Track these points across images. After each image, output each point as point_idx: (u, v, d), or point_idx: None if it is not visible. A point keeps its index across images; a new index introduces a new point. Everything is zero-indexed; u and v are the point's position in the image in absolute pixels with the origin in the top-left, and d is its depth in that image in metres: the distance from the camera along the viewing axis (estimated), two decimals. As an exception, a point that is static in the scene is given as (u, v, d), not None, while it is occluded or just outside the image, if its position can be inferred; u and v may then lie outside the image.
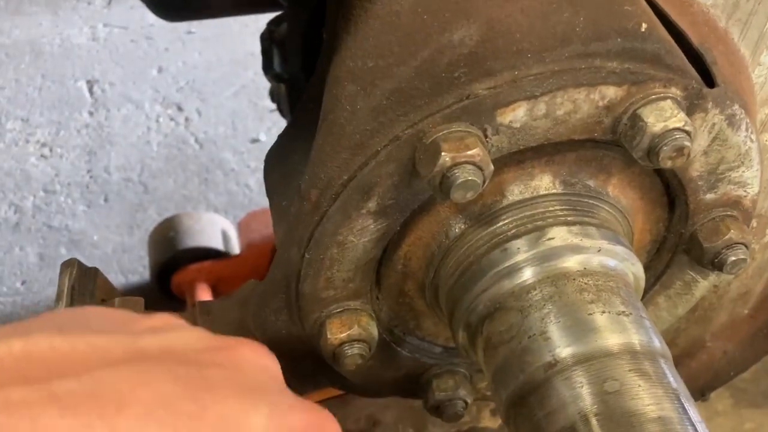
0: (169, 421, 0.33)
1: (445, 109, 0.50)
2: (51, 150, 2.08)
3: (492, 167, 0.50)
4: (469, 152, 0.49)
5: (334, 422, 0.40)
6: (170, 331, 0.40)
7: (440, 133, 0.50)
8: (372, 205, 0.54)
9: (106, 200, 1.97)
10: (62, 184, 1.99)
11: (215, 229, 1.67)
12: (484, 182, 0.50)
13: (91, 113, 2.19)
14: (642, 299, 0.69)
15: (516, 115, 0.51)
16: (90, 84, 2.29)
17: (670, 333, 0.86)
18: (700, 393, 0.91)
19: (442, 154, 0.49)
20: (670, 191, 0.62)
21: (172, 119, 2.19)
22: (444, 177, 0.49)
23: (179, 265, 1.57)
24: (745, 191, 0.61)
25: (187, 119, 2.19)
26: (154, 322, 0.41)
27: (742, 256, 0.61)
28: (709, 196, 0.61)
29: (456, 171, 0.49)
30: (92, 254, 1.86)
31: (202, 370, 0.37)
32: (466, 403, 0.69)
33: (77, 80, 2.29)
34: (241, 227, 1.71)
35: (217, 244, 1.63)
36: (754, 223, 0.77)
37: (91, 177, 2.02)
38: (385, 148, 0.51)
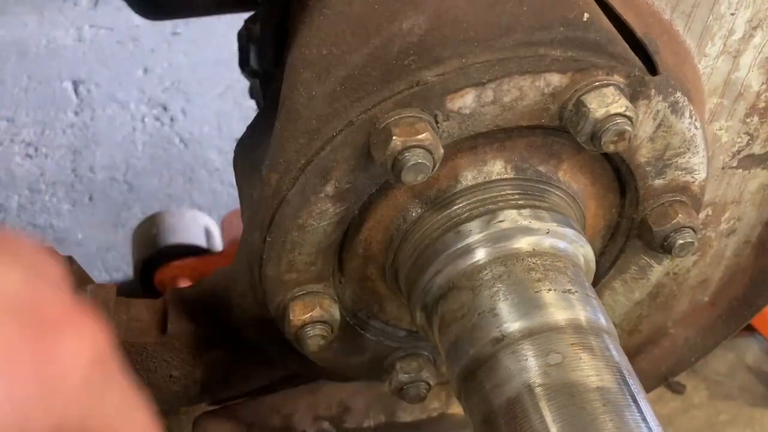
0: None
1: (397, 95, 0.52)
2: (36, 149, 2.10)
3: (442, 151, 0.52)
4: (419, 137, 0.51)
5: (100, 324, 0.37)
6: None
7: (392, 119, 0.52)
8: (330, 188, 0.56)
9: (90, 199, 1.99)
10: (47, 183, 2.01)
11: (198, 226, 1.69)
12: (434, 165, 0.52)
13: (76, 113, 2.21)
14: (599, 284, 0.72)
15: (465, 101, 0.53)
16: (76, 84, 2.30)
17: (633, 320, 0.89)
18: (663, 378, 0.93)
19: (393, 138, 0.51)
20: (621, 177, 0.65)
21: (157, 119, 2.21)
22: (396, 160, 0.51)
23: (162, 262, 1.59)
24: (692, 177, 0.64)
25: (172, 119, 2.21)
26: None
27: (690, 240, 0.64)
28: (658, 182, 0.63)
29: (407, 154, 0.51)
30: (77, 252, 1.87)
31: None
32: (429, 385, 0.71)
33: (63, 80, 2.30)
34: (224, 225, 1.72)
35: (200, 241, 1.65)
36: (709, 211, 0.79)
37: (76, 176, 2.04)
38: (341, 133, 0.53)
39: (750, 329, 1.64)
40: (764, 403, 1.64)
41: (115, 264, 1.91)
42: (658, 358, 0.92)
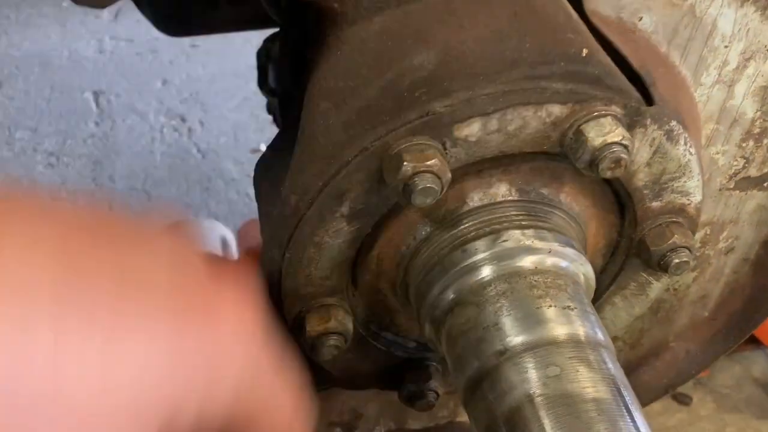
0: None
1: (408, 124, 0.56)
2: (58, 159, 2.16)
3: (449, 175, 0.56)
4: (428, 162, 0.55)
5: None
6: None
7: (403, 146, 0.56)
8: (345, 209, 0.60)
9: (110, 208, 2.04)
10: (68, 191, 2.06)
11: (214, 236, 1.73)
12: (442, 189, 0.56)
13: (97, 123, 2.27)
14: (600, 299, 0.75)
15: (471, 129, 0.57)
16: (96, 95, 2.36)
17: (635, 334, 0.92)
18: (664, 390, 0.96)
19: (404, 163, 0.55)
20: (620, 199, 0.68)
21: (175, 130, 2.26)
22: (406, 185, 0.55)
23: (180, 270, 1.63)
24: (688, 199, 0.67)
25: (190, 130, 2.26)
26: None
27: (686, 259, 0.67)
28: (655, 204, 0.67)
29: (416, 179, 0.55)
30: (97, 260, 1.93)
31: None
32: (437, 394, 0.75)
33: (84, 91, 2.36)
34: (240, 234, 1.76)
35: (216, 250, 1.69)
36: (707, 230, 0.83)
37: (96, 185, 2.09)
38: (355, 159, 0.57)
39: (756, 342, 1.67)
40: (770, 416, 1.66)
41: (134, 271, 1.95)
42: (659, 371, 0.95)
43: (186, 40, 2.59)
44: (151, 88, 2.39)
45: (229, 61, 2.48)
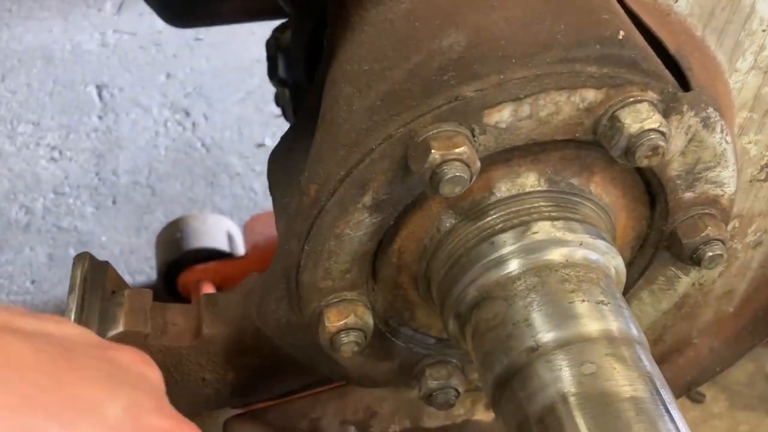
0: (17, 387, 0.34)
1: (435, 109, 0.53)
2: (61, 153, 2.13)
3: (479, 164, 0.54)
4: (457, 150, 0.53)
5: None
6: (57, 322, 0.41)
7: (430, 132, 0.53)
8: (367, 199, 0.58)
9: (114, 202, 2.02)
10: (71, 186, 2.04)
11: (220, 231, 1.71)
12: (471, 178, 0.54)
13: (100, 117, 2.24)
14: (626, 294, 0.73)
15: (502, 116, 0.54)
16: (99, 89, 2.34)
17: (658, 329, 0.89)
18: (686, 388, 0.94)
19: (432, 151, 0.52)
20: (651, 190, 0.66)
21: (179, 124, 2.23)
22: (434, 173, 0.53)
23: (185, 266, 1.61)
24: (722, 190, 0.65)
25: (194, 124, 2.24)
26: (48, 316, 0.42)
27: (719, 252, 0.64)
28: (688, 195, 0.64)
29: (445, 167, 0.52)
30: (100, 255, 1.89)
31: (72, 354, 0.38)
32: (457, 392, 0.73)
33: (87, 85, 2.33)
34: (246, 229, 1.74)
35: (222, 245, 1.67)
36: (736, 223, 0.80)
37: (99, 179, 2.07)
38: (380, 146, 0.55)
39: (770, 339, 1.64)
40: (784, 414, 1.63)
41: (138, 267, 1.93)
42: (682, 368, 0.93)
43: (189, 34, 2.56)
44: (154, 81, 2.36)
45: (234, 54, 2.46)
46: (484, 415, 0.93)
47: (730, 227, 0.80)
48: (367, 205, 0.58)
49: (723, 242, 0.65)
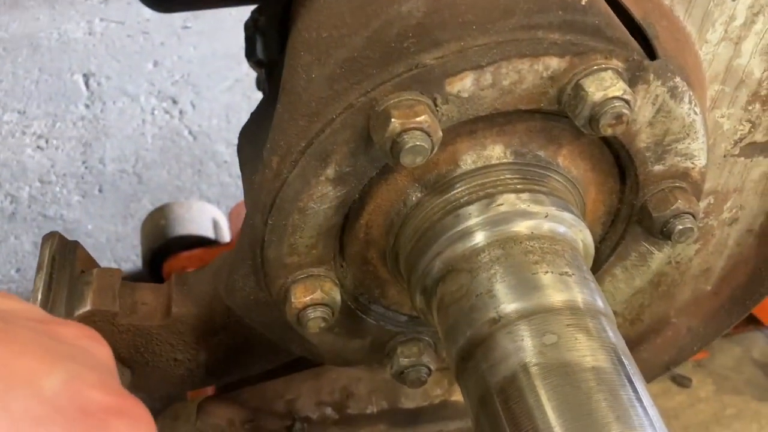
0: None
1: (396, 77, 0.53)
2: (47, 141, 2.12)
3: (440, 134, 0.53)
4: (418, 119, 0.52)
5: (143, 411, 0.39)
6: (2, 298, 0.40)
7: (391, 101, 0.52)
8: (330, 171, 0.57)
9: (100, 191, 2.01)
10: (58, 174, 2.03)
11: (206, 218, 1.70)
12: (432, 148, 0.53)
13: (87, 106, 2.23)
14: (599, 270, 0.72)
15: (464, 84, 0.53)
16: (86, 77, 2.32)
17: (635, 309, 0.89)
18: (665, 367, 0.93)
19: (392, 120, 0.52)
20: (620, 163, 0.65)
21: (166, 112, 2.22)
22: (394, 142, 0.52)
23: (170, 253, 1.61)
24: (692, 163, 0.64)
25: (181, 112, 2.23)
26: None
27: (689, 225, 0.64)
28: (658, 168, 0.63)
29: (405, 136, 0.52)
30: (86, 243, 1.89)
31: (10, 326, 0.37)
32: (429, 369, 0.72)
33: (74, 73, 2.32)
34: (232, 216, 1.74)
35: (208, 232, 1.66)
36: (711, 199, 0.80)
37: (86, 168, 2.06)
38: (340, 116, 0.54)
39: (756, 323, 1.64)
40: (771, 398, 1.63)
41: (125, 254, 1.93)
42: (660, 348, 0.93)
43: (177, 22, 2.55)
44: (141, 70, 2.35)
45: (221, 42, 2.45)
46: (461, 395, 0.93)
47: (705, 204, 0.79)
48: (331, 178, 0.57)
49: (693, 215, 0.64)
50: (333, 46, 0.54)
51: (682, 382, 1.65)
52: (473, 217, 0.59)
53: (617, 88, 0.53)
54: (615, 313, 0.86)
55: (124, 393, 0.39)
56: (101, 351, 0.42)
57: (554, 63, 0.54)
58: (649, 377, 0.96)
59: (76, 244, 0.78)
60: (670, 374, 1.62)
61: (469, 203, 0.59)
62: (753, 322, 1.64)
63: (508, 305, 0.53)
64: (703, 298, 0.90)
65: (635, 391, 0.50)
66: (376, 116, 0.53)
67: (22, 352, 0.36)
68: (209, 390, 1.03)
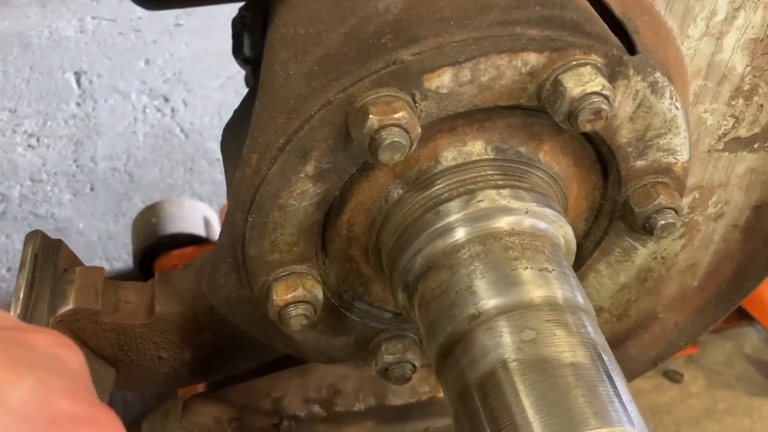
0: None
1: (374, 74, 0.52)
2: (38, 140, 2.11)
3: (419, 130, 0.53)
4: (396, 115, 0.52)
5: (113, 420, 0.38)
6: None
7: (369, 98, 0.52)
8: (310, 168, 0.56)
9: (92, 189, 2.00)
10: (49, 173, 2.02)
11: (197, 216, 1.70)
12: (411, 145, 0.53)
13: (78, 104, 2.22)
14: (583, 265, 0.72)
15: (442, 80, 0.53)
16: (78, 75, 2.31)
17: (622, 305, 0.89)
18: (653, 363, 0.93)
19: (370, 117, 0.51)
20: (603, 158, 0.65)
21: (158, 110, 2.22)
22: (372, 139, 0.52)
23: (161, 251, 1.60)
24: (674, 158, 0.64)
25: (173, 110, 2.22)
26: None
27: (672, 220, 0.64)
28: (640, 163, 0.63)
29: (383, 133, 0.51)
30: (78, 242, 1.89)
31: None
32: (414, 366, 0.72)
33: (65, 72, 2.31)
34: (224, 214, 1.73)
35: (199, 230, 1.66)
36: (696, 194, 0.79)
37: (77, 166, 2.05)
38: (318, 113, 0.54)
39: (748, 318, 1.64)
40: (762, 392, 1.64)
41: (116, 253, 1.92)
42: (647, 343, 0.93)
43: (169, 19, 2.54)
44: (133, 67, 2.35)
45: (213, 39, 2.44)
46: (449, 392, 0.93)
47: (690, 200, 0.79)
48: (310, 175, 0.57)
49: (676, 211, 0.64)
50: (310, 43, 0.54)
51: (673, 377, 1.66)
52: (454, 213, 0.58)
53: (596, 83, 0.53)
54: (602, 309, 0.87)
55: (94, 401, 0.38)
56: (73, 358, 0.41)
57: (533, 59, 0.54)
58: (637, 372, 0.96)
59: (59, 243, 0.78)
60: (662, 369, 1.62)
61: (450, 199, 0.59)
62: (745, 317, 1.64)
63: (488, 301, 0.53)
64: (689, 293, 0.90)
65: (614, 386, 0.50)
66: (354, 113, 0.53)
67: None
68: (200, 387, 1.03)
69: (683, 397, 1.64)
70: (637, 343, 0.92)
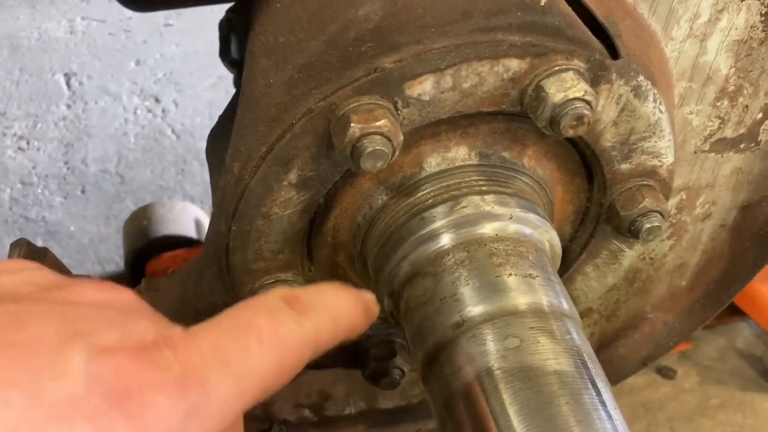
0: None
1: (355, 82, 0.52)
2: (28, 143, 2.10)
3: (401, 138, 0.53)
4: (378, 123, 0.51)
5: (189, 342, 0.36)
6: (4, 273, 0.38)
7: (350, 106, 0.52)
8: (293, 176, 0.56)
9: (83, 191, 1.99)
10: (39, 176, 2.02)
11: (188, 218, 1.69)
12: (393, 152, 0.52)
13: (68, 106, 2.21)
14: (570, 269, 0.72)
15: (424, 87, 0.53)
16: (68, 77, 2.30)
17: (611, 305, 0.89)
18: (642, 363, 0.93)
19: (352, 125, 0.51)
20: (587, 162, 0.65)
21: (149, 111, 2.21)
22: (354, 147, 0.52)
23: (153, 254, 1.59)
24: (659, 161, 0.64)
25: (164, 111, 2.21)
26: None
27: (657, 224, 0.64)
28: (625, 167, 0.63)
29: (365, 141, 0.51)
30: (69, 245, 1.89)
31: (23, 307, 0.35)
32: (402, 371, 0.72)
33: (55, 73, 2.30)
34: (214, 215, 1.72)
35: (190, 232, 1.65)
36: (683, 195, 0.79)
37: (68, 169, 2.04)
38: (300, 121, 0.53)
39: (740, 314, 1.65)
40: (755, 387, 1.65)
41: (108, 256, 1.92)
42: (637, 343, 0.93)
43: (159, 19, 2.52)
44: (124, 68, 2.33)
45: (204, 39, 2.42)
46: (439, 394, 0.93)
47: (677, 200, 0.79)
48: (293, 183, 0.57)
49: (662, 214, 0.64)
50: (291, 51, 0.54)
51: (666, 373, 1.66)
52: (438, 219, 0.58)
53: (578, 89, 0.53)
54: (590, 310, 0.87)
55: (153, 337, 0.35)
56: (123, 296, 0.39)
57: (514, 64, 0.53)
58: (627, 373, 0.96)
59: (45, 251, 0.77)
60: (655, 366, 1.63)
61: (434, 206, 0.59)
62: (737, 313, 1.65)
63: (472, 309, 0.53)
64: (678, 294, 0.90)
65: (599, 394, 0.50)
66: (336, 121, 0.53)
67: (37, 335, 0.33)
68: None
69: (676, 393, 1.65)
70: (626, 343, 0.92)
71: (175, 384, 0.35)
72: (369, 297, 0.50)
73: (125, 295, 0.40)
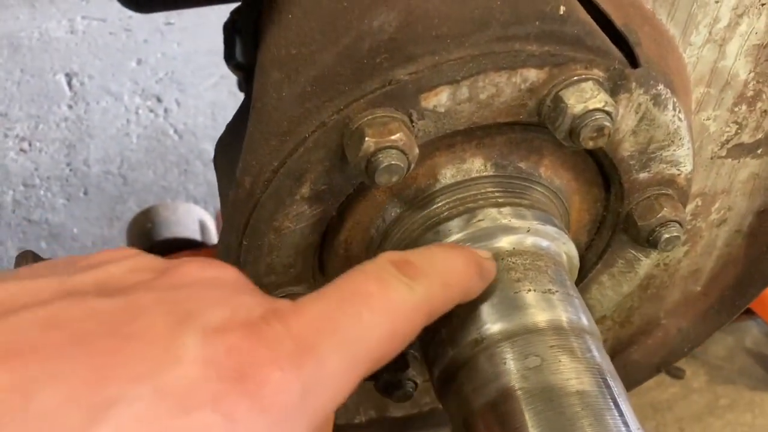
0: (82, 360, 0.30)
1: (369, 94, 0.51)
2: (30, 144, 2.09)
3: (417, 151, 0.51)
4: (393, 137, 0.50)
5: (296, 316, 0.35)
6: (109, 263, 0.37)
7: (365, 119, 0.51)
8: (305, 191, 0.55)
9: (85, 193, 1.98)
10: (42, 178, 2.00)
11: (192, 220, 1.68)
12: (409, 166, 0.51)
13: (70, 106, 2.20)
14: (585, 278, 0.71)
15: (439, 99, 0.52)
16: (69, 77, 2.29)
17: (624, 311, 0.88)
18: (656, 369, 0.92)
19: (366, 139, 0.50)
20: (604, 171, 0.63)
21: (151, 111, 2.19)
22: (369, 162, 0.50)
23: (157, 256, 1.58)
24: (678, 170, 0.63)
25: (166, 110, 2.20)
26: (99, 257, 0.39)
27: (676, 234, 0.62)
28: (643, 176, 0.62)
29: (380, 156, 0.50)
30: (72, 247, 1.88)
31: (131, 298, 0.34)
32: (415, 383, 0.71)
33: (56, 73, 2.29)
34: (219, 218, 1.72)
35: (194, 234, 1.64)
36: (699, 201, 0.78)
37: (70, 170, 2.03)
38: (313, 135, 0.52)
39: (749, 312, 1.64)
40: (764, 387, 1.64)
41: (112, 258, 1.90)
42: (650, 350, 0.91)
43: (160, 19, 2.51)
44: (125, 68, 2.32)
45: (205, 38, 2.41)
46: (451, 402, 0.92)
47: (692, 206, 0.78)
48: (306, 197, 0.55)
49: (680, 223, 0.63)
50: (303, 64, 0.52)
51: (675, 373, 1.65)
52: (454, 233, 0.57)
53: (598, 99, 0.52)
54: (604, 317, 0.86)
55: (259, 315, 0.34)
56: (227, 273, 0.38)
57: (533, 75, 0.52)
58: (640, 379, 0.95)
59: (34, 255, 0.76)
60: (663, 366, 1.62)
61: (449, 218, 0.58)
62: (746, 312, 1.63)
63: (491, 326, 0.52)
64: (692, 299, 0.88)
65: (621, 414, 0.48)
66: (349, 134, 0.51)
67: (147, 326, 0.32)
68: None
69: (685, 393, 1.64)
70: (640, 350, 0.91)
71: (288, 358, 0.34)
72: (484, 255, 0.47)
73: (229, 271, 0.39)
